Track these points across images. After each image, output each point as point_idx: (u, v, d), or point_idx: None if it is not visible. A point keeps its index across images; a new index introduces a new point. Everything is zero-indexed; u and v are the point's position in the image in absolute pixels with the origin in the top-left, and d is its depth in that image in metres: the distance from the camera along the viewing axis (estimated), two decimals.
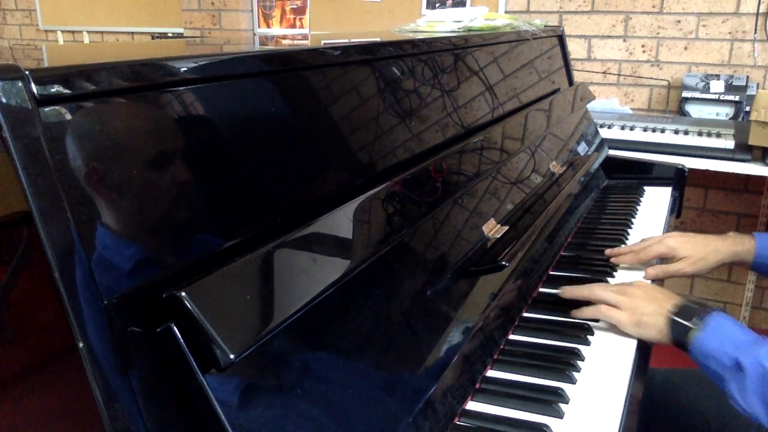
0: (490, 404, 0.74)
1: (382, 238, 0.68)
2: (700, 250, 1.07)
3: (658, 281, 1.08)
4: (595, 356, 0.84)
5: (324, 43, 0.83)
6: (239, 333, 0.47)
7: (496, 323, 0.87)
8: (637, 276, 1.07)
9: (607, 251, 1.14)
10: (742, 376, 0.74)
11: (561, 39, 1.67)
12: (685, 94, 2.28)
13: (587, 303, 0.93)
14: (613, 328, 0.92)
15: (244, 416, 0.48)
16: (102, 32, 3.71)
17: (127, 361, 0.45)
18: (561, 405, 0.73)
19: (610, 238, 1.25)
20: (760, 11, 2.23)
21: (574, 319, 0.92)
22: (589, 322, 0.91)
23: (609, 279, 1.06)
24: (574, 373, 0.79)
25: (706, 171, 1.93)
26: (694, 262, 1.07)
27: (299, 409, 0.53)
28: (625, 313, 0.87)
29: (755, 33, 2.25)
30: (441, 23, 1.36)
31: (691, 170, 1.73)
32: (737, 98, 2.21)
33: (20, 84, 0.40)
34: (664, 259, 1.11)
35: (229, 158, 0.57)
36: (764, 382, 0.73)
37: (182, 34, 3.31)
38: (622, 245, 1.18)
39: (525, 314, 0.95)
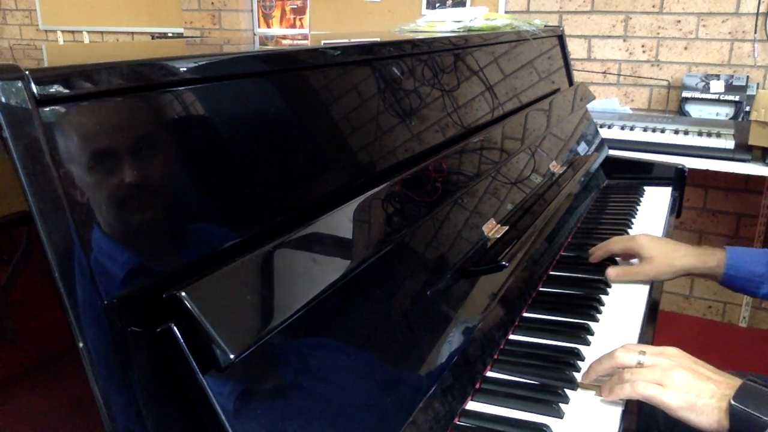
0: (490, 404, 0.74)
1: (382, 238, 0.68)
2: (666, 253, 1.04)
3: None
4: (595, 356, 0.83)
5: (324, 43, 0.82)
6: (239, 333, 0.47)
7: (496, 323, 0.87)
8: (634, 289, 1.05)
9: (591, 258, 1.12)
10: None
11: (561, 39, 1.67)
12: (685, 94, 2.28)
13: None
14: (614, 329, 0.92)
15: (244, 416, 0.48)
16: (102, 32, 3.70)
17: (127, 361, 0.45)
18: (561, 405, 0.73)
19: (610, 237, 1.25)
20: (760, 11, 2.23)
21: (606, 397, 0.75)
22: (588, 322, 0.91)
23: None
24: (574, 373, 0.79)
25: (706, 171, 1.93)
26: (658, 265, 1.04)
27: (299, 409, 0.53)
28: (672, 393, 0.70)
29: (755, 33, 2.25)
30: (441, 23, 1.36)
31: (691, 170, 1.73)
32: (737, 98, 2.21)
33: (20, 84, 0.40)
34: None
35: (229, 158, 0.57)
36: None
37: (182, 34, 3.31)
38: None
39: (525, 314, 0.95)
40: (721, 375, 0.72)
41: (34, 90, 0.41)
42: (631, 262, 1.10)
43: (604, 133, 1.98)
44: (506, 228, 0.93)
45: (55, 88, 0.42)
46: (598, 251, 1.11)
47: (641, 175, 1.65)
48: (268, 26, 3.17)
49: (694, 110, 2.29)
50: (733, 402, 0.67)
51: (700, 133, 1.98)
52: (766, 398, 0.67)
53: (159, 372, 0.47)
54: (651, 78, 2.45)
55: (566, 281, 1.07)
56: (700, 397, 0.69)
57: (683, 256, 1.04)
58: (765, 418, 0.65)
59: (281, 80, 0.65)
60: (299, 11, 3.08)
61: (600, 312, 0.96)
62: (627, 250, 1.08)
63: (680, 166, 1.62)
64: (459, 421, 0.71)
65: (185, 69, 0.53)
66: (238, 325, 0.48)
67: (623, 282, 1.06)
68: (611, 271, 1.06)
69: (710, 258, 1.04)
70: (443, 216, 0.84)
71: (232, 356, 0.45)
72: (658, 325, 1.01)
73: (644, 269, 1.05)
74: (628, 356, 0.75)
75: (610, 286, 1.04)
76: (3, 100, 0.39)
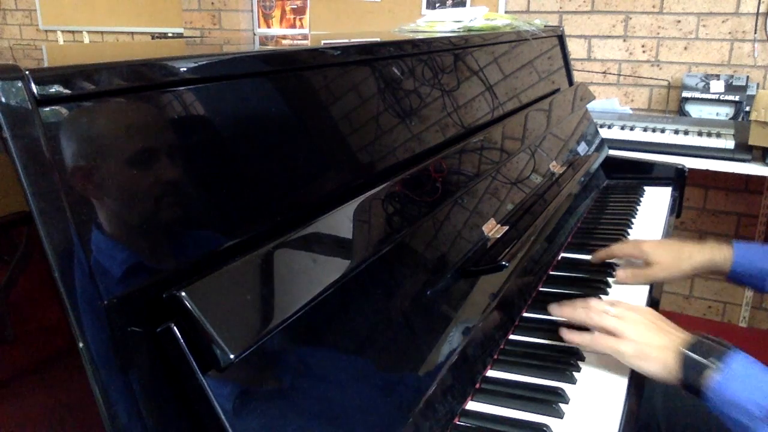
0: (490, 404, 0.74)
1: (382, 239, 0.68)
2: (673, 255, 1.05)
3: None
4: (595, 356, 0.83)
5: (324, 43, 0.83)
6: (239, 333, 0.47)
7: (496, 323, 0.87)
8: (633, 289, 1.05)
9: (593, 258, 1.13)
10: None
11: (561, 39, 1.67)
12: (685, 94, 2.28)
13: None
14: None
15: (244, 416, 0.48)
16: (102, 32, 3.70)
17: (127, 361, 0.45)
18: (561, 405, 0.73)
19: (610, 238, 1.25)
20: (760, 11, 2.23)
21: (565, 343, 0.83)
22: None
23: (608, 278, 1.06)
24: (574, 373, 0.79)
25: (706, 171, 1.93)
26: (666, 267, 1.04)
27: (299, 409, 0.53)
28: (626, 342, 0.78)
29: (755, 33, 2.25)
30: (441, 23, 1.36)
31: (691, 170, 1.72)
32: (737, 98, 2.20)
33: (20, 84, 0.40)
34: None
35: (229, 158, 0.57)
36: None
37: (182, 34, 3.31)
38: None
39: (525, 314, 0.95)
40: (681, 332, 0.78)
41: (34, 90, 0.41)
42: (635, 262, 1.10)
43: (604, 133, 1.98)
44: (506, 228, 0.93)
45: (55, 88, 0.42)
46: (601, 253, 1.11)
47: (641, 175, 1.65)
48: (268, 26, 3.17)
49: (694, 110, 2.29)
50: (682, 349, 0.74)
51: (700, 133, 1.98)
52: (714, 350, 0.73)
53: (159, 372, 0.47)
54: (651, 78, 2.45)
55: (566, 281, 1.06)
56: (650, 347, 0.76)
57: (690, 257, 1.05)
58: (706, 362, 0.72)
59: (281, 80, 0.65)
60: (299, 11, 3.08)
61: None
62: (632, 257, 1.09)
63: (680, 166, 1.62)
64: (459, 421, 0.71)
65: (185, 69, 0.53)
66: (238, 325, 0.48)
67: (632, 285, 1.05)
68: (621, 273, 1.06)
69: (717, 254, 1.05)
70: (443, 216, 0.84)
71: (231, 356, 0.46)
72: None
73: (654, 273, 1.05)
74: (599, 304, 0.83)
75: (610, 286, 1.04)
76: (3, 100, 0.39)
